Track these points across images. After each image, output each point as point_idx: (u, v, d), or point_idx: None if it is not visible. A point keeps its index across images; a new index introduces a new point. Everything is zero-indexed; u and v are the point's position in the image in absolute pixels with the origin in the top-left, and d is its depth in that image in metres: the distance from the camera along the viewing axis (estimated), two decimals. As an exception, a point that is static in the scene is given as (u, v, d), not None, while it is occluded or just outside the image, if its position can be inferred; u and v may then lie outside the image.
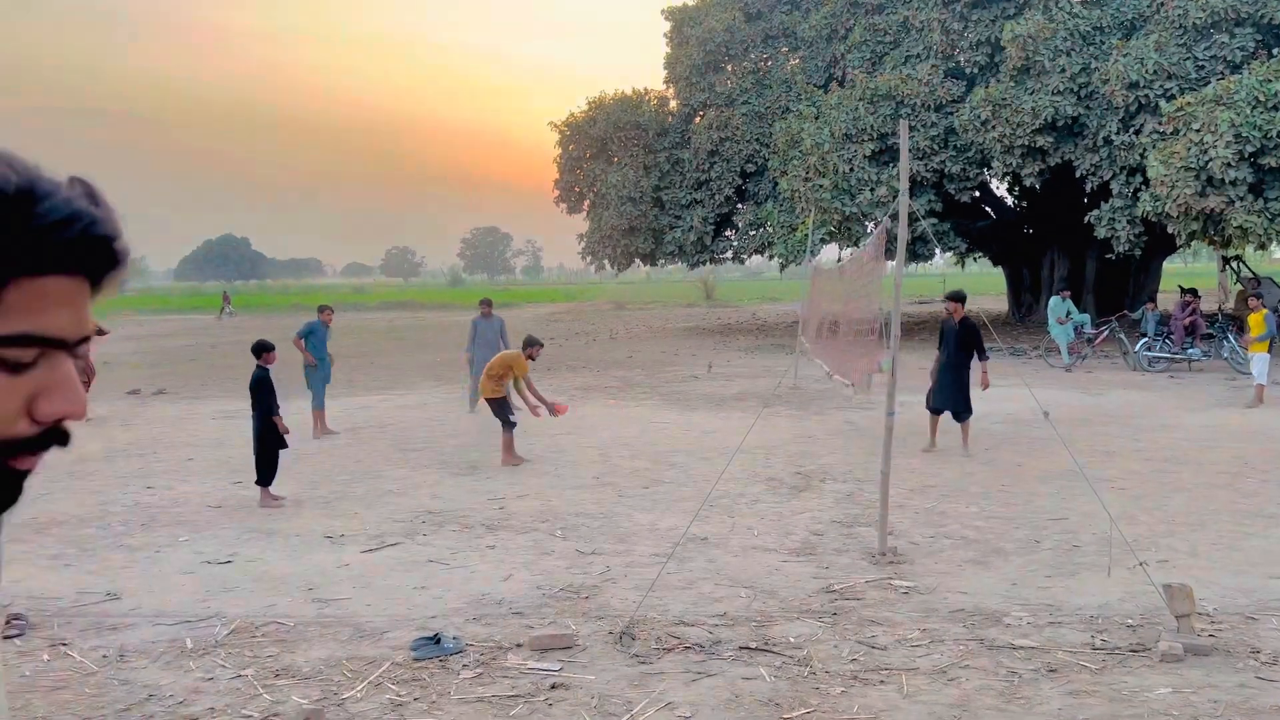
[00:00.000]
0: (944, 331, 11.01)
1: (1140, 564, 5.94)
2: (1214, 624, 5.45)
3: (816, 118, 24.29)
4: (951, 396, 10.82)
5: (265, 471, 8.73)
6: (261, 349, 9.11)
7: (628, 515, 8.18)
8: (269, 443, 8.70)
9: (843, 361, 12.38)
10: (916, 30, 24.40)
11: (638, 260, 32.55)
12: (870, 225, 24.09)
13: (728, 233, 30.51)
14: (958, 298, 11.03)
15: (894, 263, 7.85)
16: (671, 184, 29.69)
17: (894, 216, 7.28)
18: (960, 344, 10.80)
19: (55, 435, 0.81)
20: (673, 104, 31.48)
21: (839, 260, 25.22)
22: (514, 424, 10.51)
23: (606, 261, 32.04)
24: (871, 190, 22.57)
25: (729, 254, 31.27)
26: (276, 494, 8.83)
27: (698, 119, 29.88)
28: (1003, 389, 13.68)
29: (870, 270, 10.20)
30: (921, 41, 24.16)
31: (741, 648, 5.25)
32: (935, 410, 11.01)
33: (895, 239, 7.26)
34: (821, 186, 23.16)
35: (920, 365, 19.49)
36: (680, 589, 6.22)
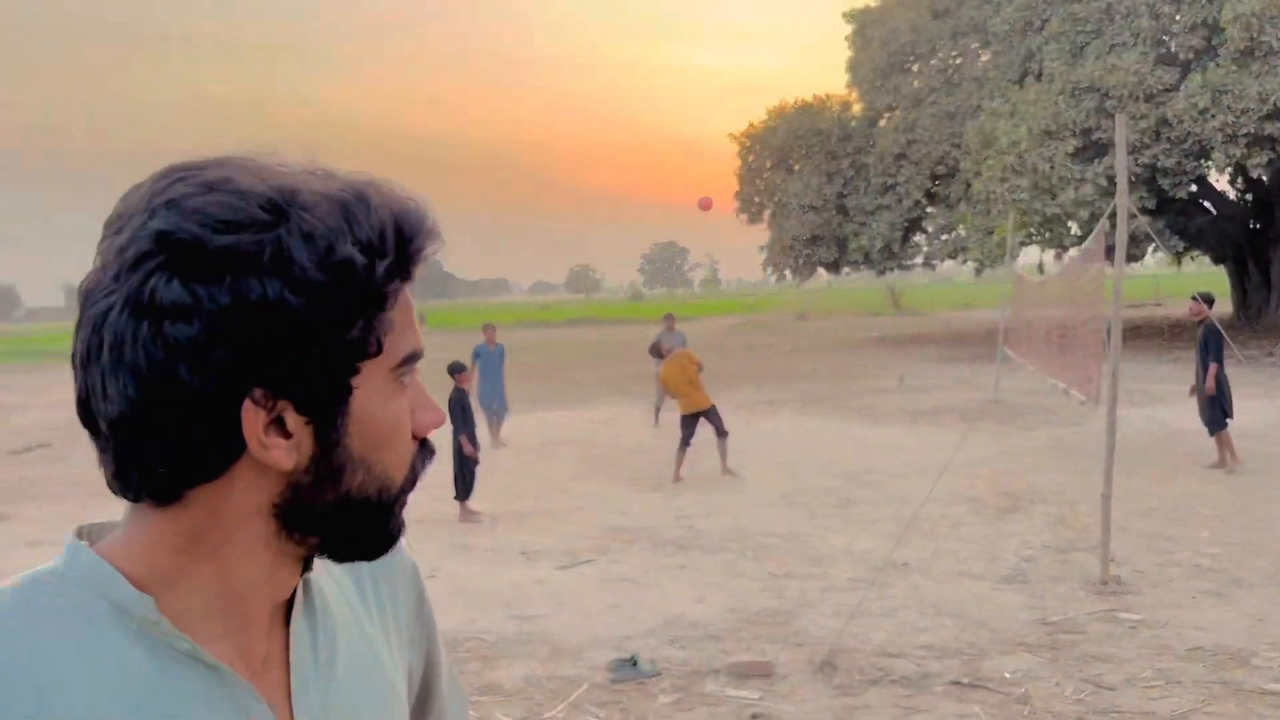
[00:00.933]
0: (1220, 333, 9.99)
1: None
2: None
3: (1012, 115, 23.13)
4: (1214, 406, 9.92)
5: (463, 487, 9.01)
6: (455, 370, 9.43)
7: (821, 537, 7.93)
8: (466, 460, 8.98)
9: (1072, 373, 11.64)
10: (1122, 16, 22.86)
11: (820, 269, 31.98)
12: (1074, 226, 22.72)
13: (917, 238, 29.52)
14: (1208, 299, 10.18)
15: (1109, 265, 7.30)
16: (855, 190, 29.02)
17: (1110, 217, 6.75)
18: (1201, 349, 9.97)
19: (428, 450, 0.79)
20: (855, 108, 30.80)
21: (1039, 264, 23.92)
22: (726, 432, 10.51)
23: (788, 271, 31.65)
24: (1075, 189, 21.27)
25: (919, 260, 30.26)
26: (475, 509, 9.10)
27: (882, 122, 29.11)
28: (1236, 401, 12.52)
29: (1088, 273, 9.56)
30: (1128, 28, 22.61)
31: (952, 682, 4.95)
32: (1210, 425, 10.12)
33: (1112, 241, 6.73)
34: (1019, 187, 22.00)
35: (1136, 374, 18.20)
36: (882, 616, 5.95)
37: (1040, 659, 5.22)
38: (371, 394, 0.72)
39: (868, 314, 52.27)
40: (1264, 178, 21.67)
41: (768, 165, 32.09)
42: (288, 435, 0.69)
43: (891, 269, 30.59)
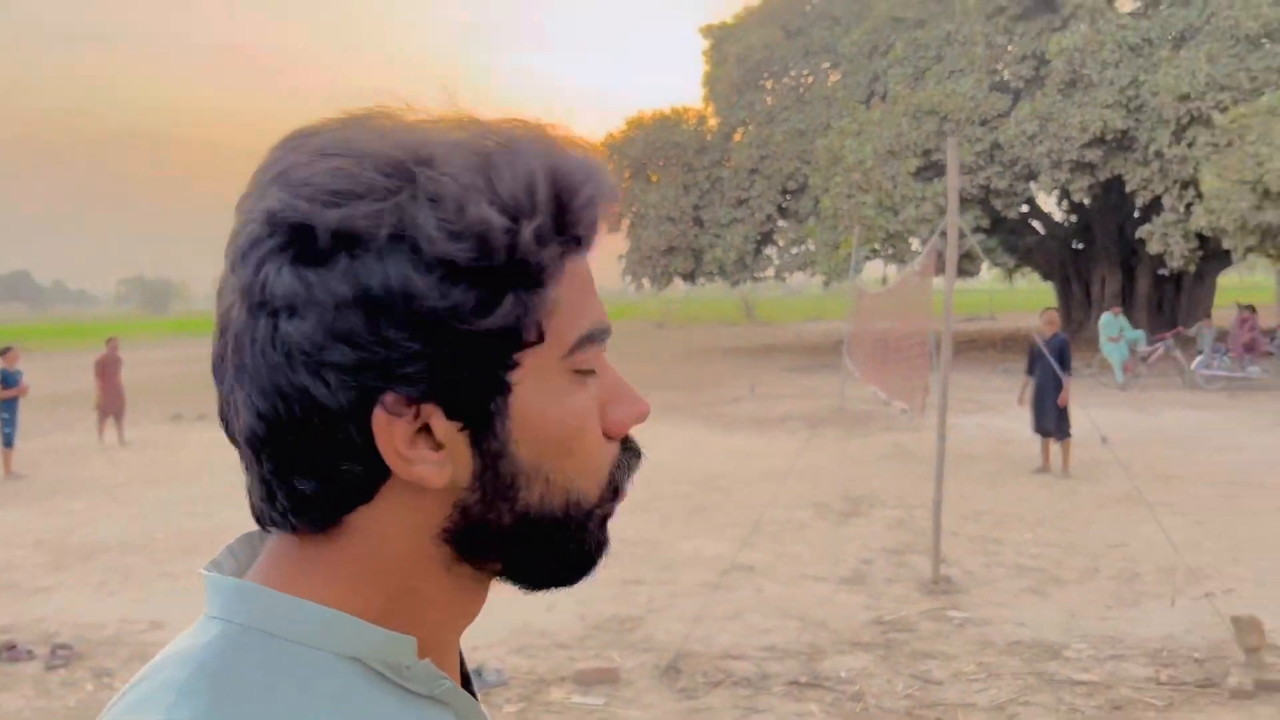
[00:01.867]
0: (1039, 350, 10.56)
1: (1207, 595, 5.69)
2: (1289, 660, 5.19)
3: (858, 134, 24.10)
4: (1061, 415, 10.58)
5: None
6: None
7: (672, 543, 8.04)
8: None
9: (895, 383, 12.17)
10: (960, 44, 24.16)
11: (677, 279, 32.49)
12: (915, 242, 23.82)
13: (769, 250, 30.35)
14: (1052, 309, 10.93)
15: (942, 280, 7.68)
16: (711, 202, 29.62)
17: (943, 234, 7.11)
18: (1057, 360, 10.57)
19: (632, 452, 0.66)
20: (712, 122, 31.46)
21: (883, 279, 24.97)
22: None
23: (646, 280, 32.01)
24: (916, 206, 22.31)
25: (770, 272, 31.11)
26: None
27: (737, 136, 29.83)
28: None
29: (919, 288, 10.01)
30: (965, 55, 23.91)
31: (791, 682, 5.10)
32: (1046, 432, 10.76)
33: (944, 257, 7.09)
34: (864, 203, 22.93)
35: (969, 384, 19.20)
36: (727, 620, 6.08)
37: (874, 657, 5.44)
38: (539, 390, 0.59)
39: (723, 324, 53.41)
40: (1085, 201, 23.26)
41: (626, 175, 32.41)
42: (438, 447, 0.57)
43: (745, 280, 31.34)
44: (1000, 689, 4.97)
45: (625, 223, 32.90)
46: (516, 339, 0.57)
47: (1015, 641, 5.62)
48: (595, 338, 0.61)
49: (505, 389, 0.58)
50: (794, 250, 28.12)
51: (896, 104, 23.64)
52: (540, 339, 0.58)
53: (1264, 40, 19.44)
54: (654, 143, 30.64)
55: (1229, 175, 17.82)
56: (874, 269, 26.58)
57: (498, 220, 0.55)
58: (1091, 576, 6.86)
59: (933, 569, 6.75)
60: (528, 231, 0.56)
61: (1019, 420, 14.62)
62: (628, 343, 38.29)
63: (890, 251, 23.34)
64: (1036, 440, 10.99)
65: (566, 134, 0.61)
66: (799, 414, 15.70)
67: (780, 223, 29.25)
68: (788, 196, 28.27)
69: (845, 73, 27.88)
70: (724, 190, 29.28)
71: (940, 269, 8.14)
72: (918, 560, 7.25)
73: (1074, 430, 10.69)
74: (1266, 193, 17.63)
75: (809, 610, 6.25)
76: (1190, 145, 19.69)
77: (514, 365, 0.57)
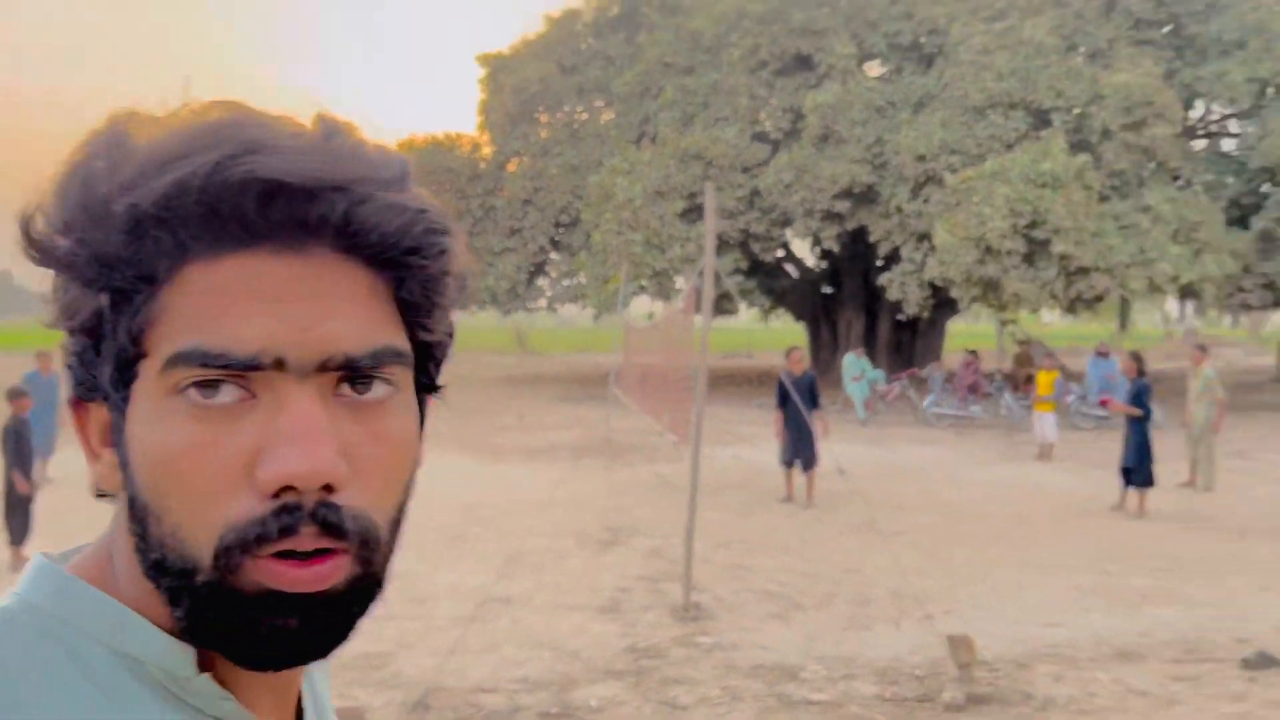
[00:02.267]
0: (787, 385, 11.07)
1: (928, 617, 6.17)
2: (993, 672, 5.70)
3: (629, 172, 24.76)
4: (807, 447, 11.09)
5: (17, 530, 7.89)
6: (13, 395, 8.30)
7: (428, 575, 7.84)
8: (19, 498, 7.88)
9: (668, 415, 12.49)
10: (725, 94, 25.38)
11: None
12: (680, 280, 24.67)
13: (541, 281, 30.51)
14: (795, 349, 11.57)
15: (702, 317, 7.99)
16: (484, 230, 29.45)
17: (702, 274, 7.40)
18: (808, 396, 11.20)
19: (284, 511, 0.51)
20: (486, 150, 31.38)
21: (650, 314, 25.67)
22: None
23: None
24: (681, 246, 23.14)
25: (543, 303, 31.26)
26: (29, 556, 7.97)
27: (512, 166, 29.89)
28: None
29: (681, 325, 10.36)
30: (730, 105, 25.14)
31: (542, 714, 5.07)
32: (790, 463, 11.28)
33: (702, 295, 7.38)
34: (633, 240, 23.55)
35: (727, 418, 20.02)
36: (481, 653, 5.98)
37: (625, 685, 5.51)
38: (143, 409, 0.51)
39: (494, 353, 53.08)
40: (835, 249, 24.95)
41: (398, 198, 31.70)
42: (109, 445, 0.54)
43: (517, 310, 31.32)
44: (742, 712, 5.15)
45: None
46: (115, 339, 0.52)
47: (758, 665, 5.86)
48: (189, 358, 0.50)
49: (126, 398, 0.53)
50: (565, 282, 28.42)
51: (665, 146, 24.50)
52: (137, 347, 0.52)
53: (989, 111, 21.63)
54: (425, 166, 30.17)
55: (957, 231, 19.66)
56: (643, 304, 27.32)
57: (118, 204, 0.50)
58: (830, 602, 7.27)
59: (684, 596, 6.94)
60: (140, 214, 0.50)
61: (771, 452, 15.37)
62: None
63: (657, 288, 24.04)
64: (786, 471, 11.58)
65: (294, 126, 0.53)
66: (566, 444, 15.81)
67: (553, 254, 29.50)
68: (560, 229, 28.58)
69: (618, 112, 28.61)
70: (497, 219, 29.21)
71: (699, 307, 8.46)
72: (673, 588, 7.43)
73: (830, 462, 11.35)
74: (988, 249, 19.58)
75: (564, 640, 6.25)
76: (926, 202, 21.57)
77: (132, 376, 0.52)
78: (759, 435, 17.66)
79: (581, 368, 38.11)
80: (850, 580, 7.84)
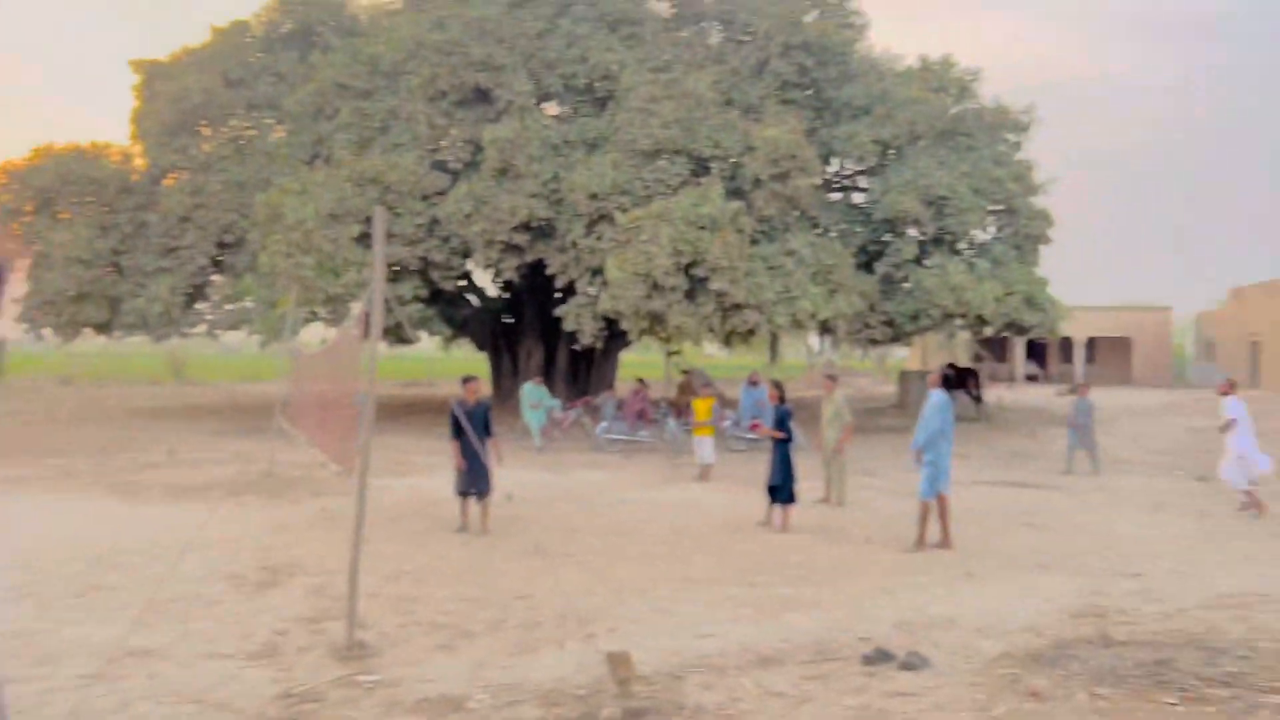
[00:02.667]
0: (464, 414, 10.93)
1: (589, 635, 6.36)
2: (651, 686, 5.98)
3: (301, 193, 23.69)
4: (481, 476, 10.97)
5: None
6: None
7: (51, 632, 6.98)
8: None
9: (332, 445, 11.96)
10: (404, 120, 25.02)
11: (89, 330, 28.84)
12: (356, 306, 23.87)
13: (201, 305, 28.29)
14: (471, 379, 11.53)
15: (371, 344, 7.79)
16: (134, 248, 26.89)
17: (372, 299, 7.22)
18: (482, 425, 11.18)
19: None
20: (139, 161, 28.73)
21: (323, 341, 24.61)
22: None
23: (49, 330, 27.95)
24: (357, 271, 22.42)
25: (203, 328, 28.99)
26: None
27: (169, 180, 27.57)
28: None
29: (350, 351, 10.01)
30: (409, 131, 24.81)
31: (181, 774, 4.67)
32: (466, 493, 11.11)
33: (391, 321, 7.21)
34: (305, 264, 22.53)
35: (405, 447, 19.59)
36: (111, 713, 5.41)
37: (279, 733, 5.20)
38: None
39: (146, 382, 48.36)
40: (515, 279, 25.25)
41: (29, 209, 28.17)
42: None
43: (171, 335, 28.77)
44: (404, 748, 5.04)
45: (26, 262, 28.48)
46: None
47: (422, 699, 5.76)
48: None
49: None
50: (229, 307, 26.52)
51: (341, 168, 23.69)
52: None
53: (656, 156, 22.93)
54: (66, 175, 27.11)
55: (627, 267, 20.62)
56: (315, 331, 26.12)
57: None
58: (498, 628, 7.30)
59: (347, 634, 6.68)
60: None
61: (450, 481, 15.22)
62: (20, 401, 32.92)
63: (331, 314, 23.12)
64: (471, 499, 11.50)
65: None
66: (223, 480, 14.72)
67: (215, 276, 27.46)
68: (224, 249, 26.68)
69: (290, 131, 27.27)
70: (150, 236, 26.75)
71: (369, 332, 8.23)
72: (336, 627, 7.13)
73: (500, 489, 11.39)
74: (655, 285, 20.70)
75: (210, 691, 5.80)
76: (599, 238, 22.43)
77: None
78: (438, 465, 17.43)
79: (244, 398, 35.68)
80: (520, 605, 7.92)
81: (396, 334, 24.74)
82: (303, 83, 27.34)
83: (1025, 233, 26.44)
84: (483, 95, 24.68)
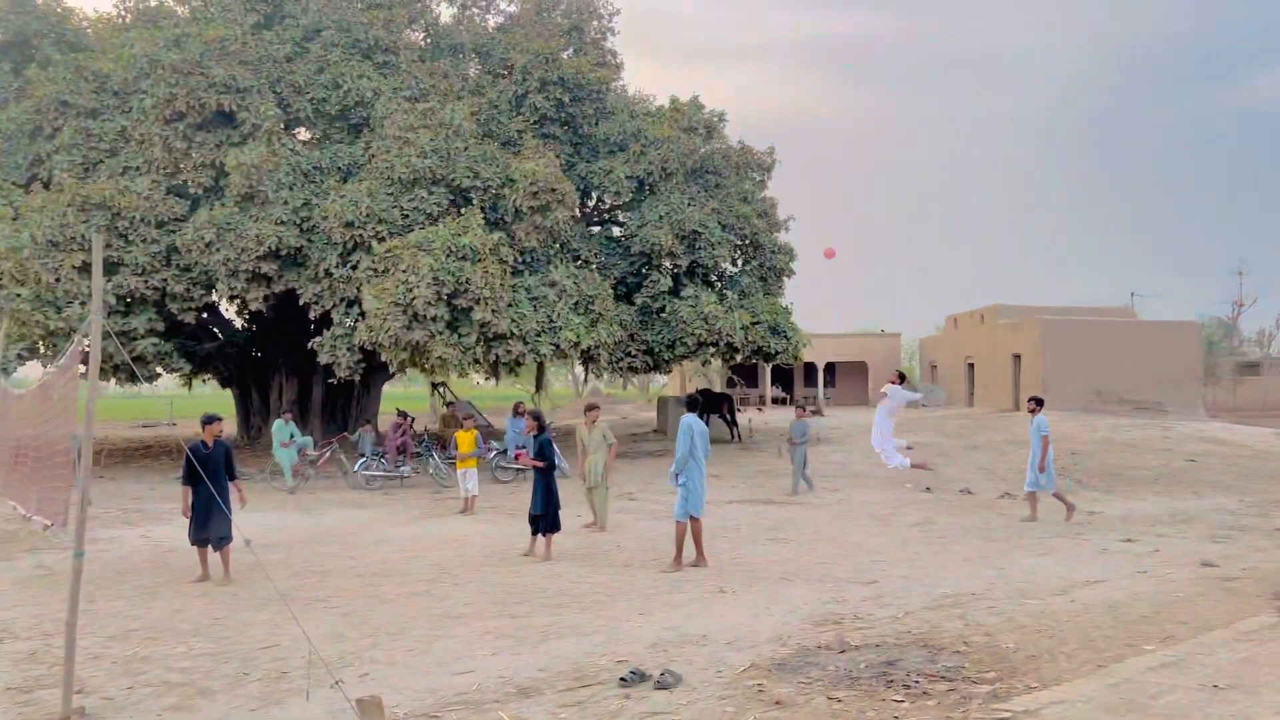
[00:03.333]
0: (201, 458, 10.30)
1: (337, 682, 6.11)
2: (404, 728, 5.82)
3: (15, 219, 21.55)
4: (221, 522, 10.20)
5: None
6: None
7: None
8: None
9: (36, 497, 10.84)
10: (136, 142, 23.32)
11: None
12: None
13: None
14: (212, 419, 10.70)
15: (90, 381, 7.16)
16: None
17: (87, 334, 6.66)
18: (224, 466, 10.49)
19: None
20: None
21: (42, 379, 22.37)
22: None
23: None
24: (82, 304, 20.60)
25: (-108, 368, 25.62)
26: None
27: None
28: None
29: (66, 390, 9.16)
30: (142, 154, 23.14)
31: None
32: (203, 541, 10.33)
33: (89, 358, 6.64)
34: (20, 296, 20.47)
35: (138, 494, 18.09)
36: None
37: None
38: None
39: None
40: (264, 311, 24.00)
41: None
42: None
43: None
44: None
45: None
46: None
47: (151, 765, 5.33)
48: None
49: None
50: (-74, 344, 23.61)
51: (63, 193, 21.73)
52: None
53: (413, 185, 22.55)
54: None
55: (385, 298, 20.13)
56: (32, 370, 23.73)
57: None
58: (240, 682, 6.87)
59: (64, 702, 6.08)
60: None
61: (185, 529, 14.22)
62: None
63: (52, 351, 21.07)
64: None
65: None
66: (-83, 540, 13.02)
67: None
68: (-81, 280, 23.77)
69: (2, 151, 24.77)
70: None
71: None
72: (52, 695, 6.47)
73: (237, 536, 10.73)
74: (416, 315, 20.31)
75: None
76: (354, 268, 21.76)
77: None
78: (174, 512, 16.23)
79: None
80: (265, 656, 7.49)
81: (129, 371, 22.85)
82: (17, 99, 24.95)
83: (770, 265, 28.08)
84: (226, 118, 23.43)
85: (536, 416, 12.66)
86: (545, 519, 11.80)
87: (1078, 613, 8.47)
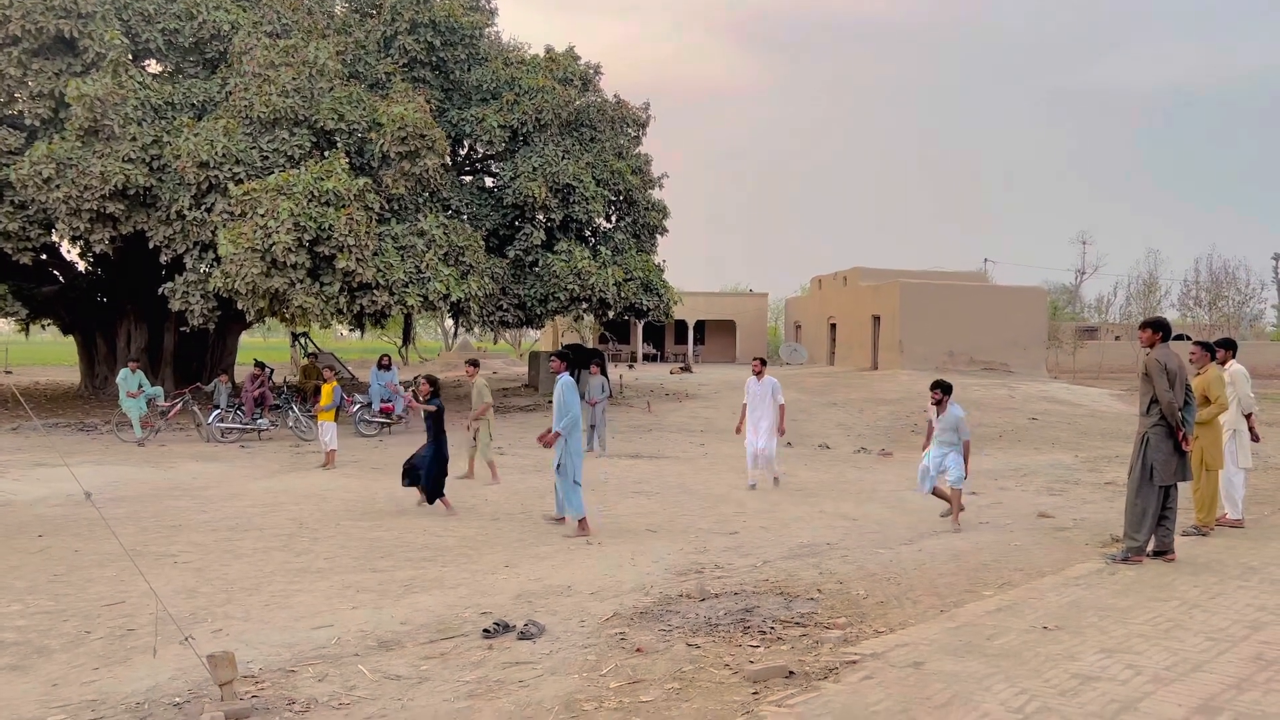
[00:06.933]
0: None
1: (187, 638, 5.91)
2: (258, 685, 5.68)
3: None
4: None
5: None
6: None
7: None
8: None
9: None
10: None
11: None
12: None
13: None
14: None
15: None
16: None
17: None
18: None
19: None
20: None
21: None
22: None
23: None
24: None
25: None
26: None
27: None
28: (61, 468, 12.63)
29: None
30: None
31: None
32: None
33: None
34: None
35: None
36: None
37: None
38: None
39: None
40: (110, 253, 22.66)
41: None
42: None
43: None
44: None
45: None
46: None
47: (-19, 729, 5.05)
48: None
49: None
50: None
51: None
52: None
53: (274, 126, 21.56)
54: None
55: (242, 242, 19.26)
56: None
57: None
58: (82, 640, 6.56)
59: (-119, 665, 5.68)
60: None
61: (21, 482, 13.48)
62: None
63: None
64: (49, 503, 10.20)
65: None
66: None
67: None
68: None
69: None
70: None
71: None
72: None
73: (77, 489, 10.19)
74: (274, 262, 19.53)
75: None
76: (209, 210, 20.73)
77: None
78: (14, 463, 15.31)
79: None
80: (110, 614, 7.17)
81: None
82: None
83: (643, 223, 28.15)
84: (67, 44, 21.85)
85: (432, 381, 12.36)
86: (422, 478, 11.61)
87: (924, 561, 8.90)
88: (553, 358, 11.01)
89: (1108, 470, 16.02)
